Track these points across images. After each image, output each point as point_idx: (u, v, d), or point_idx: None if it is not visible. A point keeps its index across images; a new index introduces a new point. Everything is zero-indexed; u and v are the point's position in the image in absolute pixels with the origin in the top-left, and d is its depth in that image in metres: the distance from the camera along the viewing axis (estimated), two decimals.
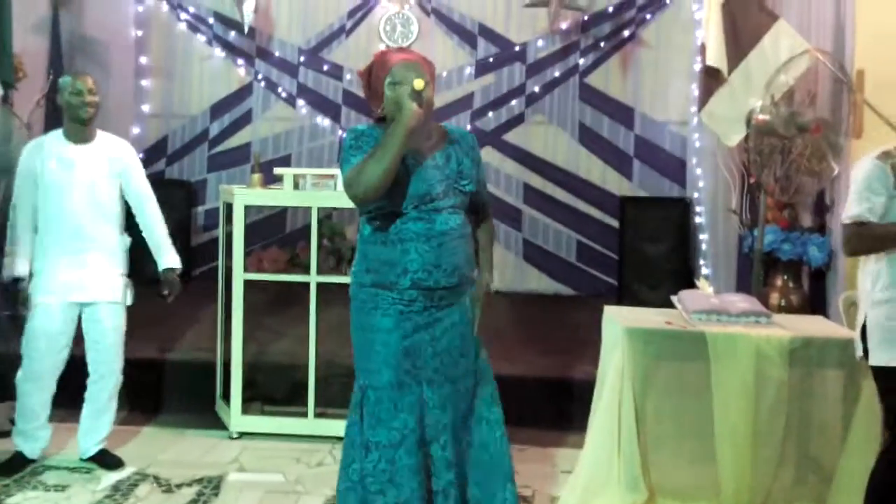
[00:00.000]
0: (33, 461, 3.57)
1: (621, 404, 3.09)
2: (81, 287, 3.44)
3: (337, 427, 3.91)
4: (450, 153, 2.57)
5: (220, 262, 4.29)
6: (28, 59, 5.13)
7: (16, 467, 3.51)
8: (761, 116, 3.98)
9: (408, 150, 2.44)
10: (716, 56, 4.25)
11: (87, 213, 3.43)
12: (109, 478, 3.49)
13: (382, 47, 6.64)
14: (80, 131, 3.48)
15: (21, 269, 3.43)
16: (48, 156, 3.44)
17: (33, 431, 3.53)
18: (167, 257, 3.63)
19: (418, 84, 2.39)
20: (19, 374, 3.49)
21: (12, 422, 3.85)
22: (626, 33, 6.50)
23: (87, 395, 3.57)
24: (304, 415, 3.98)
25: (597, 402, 3.26)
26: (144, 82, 6.93)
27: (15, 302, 3.45)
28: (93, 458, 3.59)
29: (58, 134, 3.52)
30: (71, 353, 3.53)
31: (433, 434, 2.54)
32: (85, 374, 3.57)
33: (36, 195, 3.44)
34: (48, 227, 3.43)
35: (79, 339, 3.54)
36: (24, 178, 3.46)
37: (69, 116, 3.48)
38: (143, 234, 3.63)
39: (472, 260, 2.63)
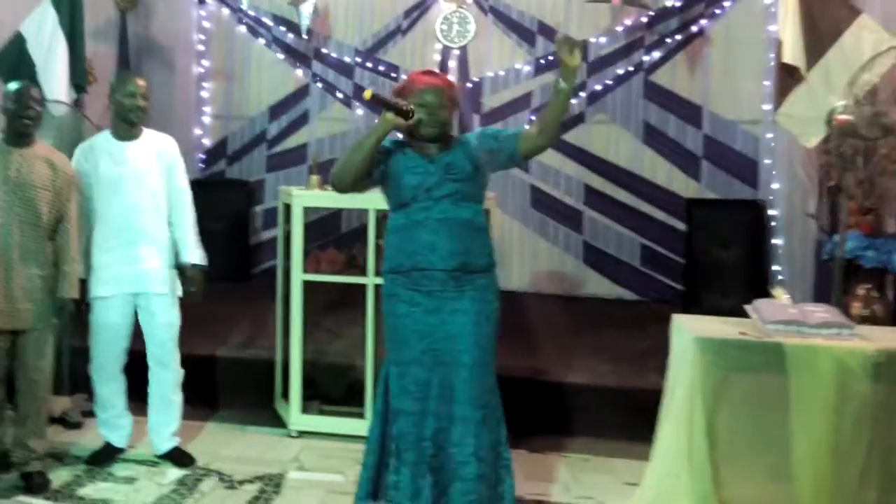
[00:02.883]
0: (121, 450, 3.68)
1: (692, 417, 2.99)
2: (135, 279, 3.53)
3: None
4: (447, 153, 2.86)
5: (280, 263, 4.33)
6: (97, 64, 5.26)
7: (106, 457, 3.64)
8: (843, 117, 3.79)
9: (415, 153, 2.85)
10: (793, 53, 4.04)
11: (139, 207, 3.53)
12: (175, 472, 3.57)
13: (439, 47, 6.62)
14: (129, 130, 3.59)
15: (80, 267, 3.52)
16: (100, 154, 3.56)
17: (113, 420, 3.65)
18: (193, 253, 3.66)
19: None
20: (89, 365, 3.62)
21: (84, 414, 4.02)
22: (694, 29, 6.30)
23: (149, 390, 3.64)
24: (362, 416, 3.98)
25: (665, 413, 3.15)
26: (206, 85, 7.06)
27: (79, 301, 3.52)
28: (166, 455, 3.65)
29: (106, 134, 3.63)
30: (137, 349, 3.61)
31: (444, 412, 2.78)
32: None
33: (91, 193, 3.54)
34: (103, 222, 3.54)
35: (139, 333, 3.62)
36: (79, 178, 3.55)
37: (120, 117, 3.58)
38: (172, 229, 3.65)
39: (479, 251, 2.85)
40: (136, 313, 3.59)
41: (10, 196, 3.21)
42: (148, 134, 3.64)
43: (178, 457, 3.65)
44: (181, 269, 3.66)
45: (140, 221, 3.53)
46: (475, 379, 2.79)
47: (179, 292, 3.65)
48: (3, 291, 3.19)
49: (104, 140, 3.61)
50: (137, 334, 3.62)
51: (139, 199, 3.52)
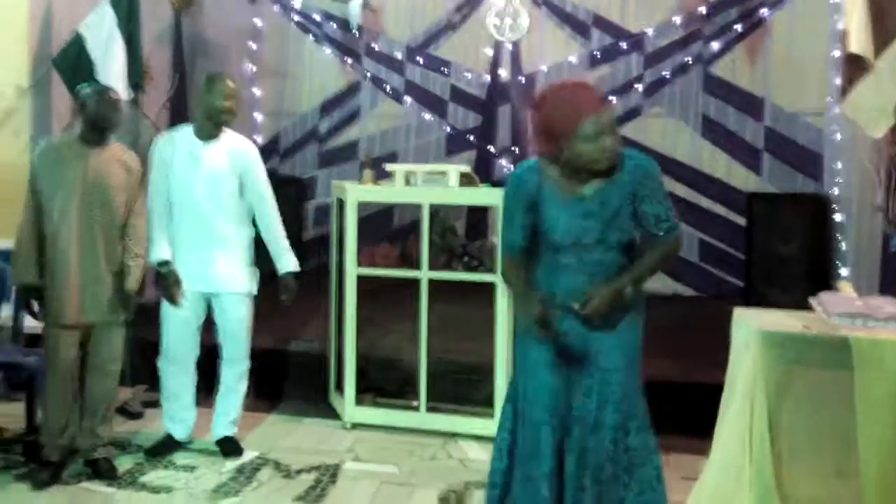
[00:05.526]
0: (181, 444, 3.72)
1: (753, 411, 2.91)
2: (205, 278, 3.56)
3: (448, 422, 3.95)
4: (606, 197, 2.51)
5: (333, 257, 4.34)
6: (154, 64, 5.39)
7: (166, 449, 3.69)
8: None
9: (563, 192, 2.51)
10: (860, 42, 3.92)
11: (209, 208, 3.53)
12: (234, 460, 3.62)
13: (490, 42, 6.58)
14: (211, 130, 3.57)
15: (164, 252, 3.54)
16: (178, 150, 3.57)
17: (177, 412, 3.69)
18: (284, 260, 3.67)
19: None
20: (159, 356, 3.68)
21: (145, 404, 4.11)
22: (755, 19, 6.15)
23: (220, 377, 3.71)
24: (416, 408, 4.00)
25: (725, 407, 3.09)
26: (258, 82, 7.16)
27: (165, 284, 3.52)
28: (218, 442, 3.71)
29: (188, 130, 3.62)
30: (203, 341, 3.68)
31: (576, 414, 2.59)
32: (216, 360, 3.71)
33: (168, 185, 3.56)
34: (177, 220, 3.57)
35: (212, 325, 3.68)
36: (158, 168, 3.60)
37: (206, 115, 3.54)
38: (261, 234, 3.68)
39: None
40: (208, 308, 3.63)
41: (89, 198, 3.29)
42: (227, 135, 3.61)
43: (225, 444, 3.69)
44: (278, 277, 3.67)
45: (212, 224, 3.53)
46: (619, 384, 2.59)
47: (254, 290, 3.66)
48: (80, 289, 3.29)
49: (185, 136, 3.59)
50: (207, 329, 3.68)
51: (211, 202, 3.53)
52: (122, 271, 3.37)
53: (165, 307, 3.58)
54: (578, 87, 2.54)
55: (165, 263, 3.52)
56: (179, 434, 3.70)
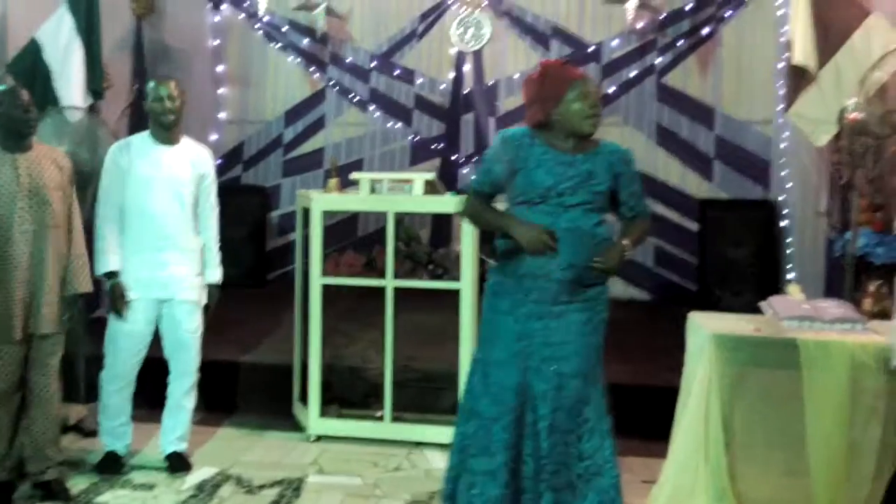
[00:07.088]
0: (123, 458, 3.63)
1: (708, 413, 3.03)
2: (161, 284, 3.49)
3: (413, 432, 3.95)
4: (588, 158, 2.72)
5: (298, 266, 4.32)
6: (114, 70, 5.29)
7: (112, 466, 3.58)
8: (853, 115, 3.84)
9: (550, 149, 2.70)
10: (803, 54, 4.10)
11: (169, 213, 3.50)
12: (194, 477, 3.54)
13: (453, 51, 6.68)
14: (165, 135, 3.57)
15: (114, 263, 3.47)
16: (136, 154, 3.53)
17: (118, 429, 3.60)
18: (214, 271, 3.68)
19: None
20: (102, 372, 3.56)
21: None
22: (706, 31, 6.36)
23: (167, 392, 3.64)
24: (381, 419, 3.99)
25: (681, 410, 3.18)
26: (222, 90, 7.12)
27: (113, 296, 3.47)
28: (167, 458, 3.63)
29: (144, 135, 3.61)
30: (152, 353, 3.59)
31: (530, 419, 2.66)
32: (166, 374, 3.63)
33: (122, 193, 3.51)
34: (132, 225, 3.50)
35: (157, 338, 3.59)
36: (112, 175, 3.53)
37: (153, 121, 3.57)
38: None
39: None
40: (156, 320, 3.56)
41: (29, 202, 3.16)
42: (186, 142, 3.64)
43: (174, 461, 3.60)
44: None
45: (169, 227, 3.50)
46: (574, 389, 2.66)
47: (205, 300, 3.64)
48: (30, 300, 3.16)
49: (142, 141, 3.58)
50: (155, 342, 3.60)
51: (169, 205, 3.50)
52: (65, 276, 3.26)
53: (114, 320, 3.50)
54: (565, 63, 2.93)
55: (114, 274, 3.48)
56: (122, 450, 3.62)
